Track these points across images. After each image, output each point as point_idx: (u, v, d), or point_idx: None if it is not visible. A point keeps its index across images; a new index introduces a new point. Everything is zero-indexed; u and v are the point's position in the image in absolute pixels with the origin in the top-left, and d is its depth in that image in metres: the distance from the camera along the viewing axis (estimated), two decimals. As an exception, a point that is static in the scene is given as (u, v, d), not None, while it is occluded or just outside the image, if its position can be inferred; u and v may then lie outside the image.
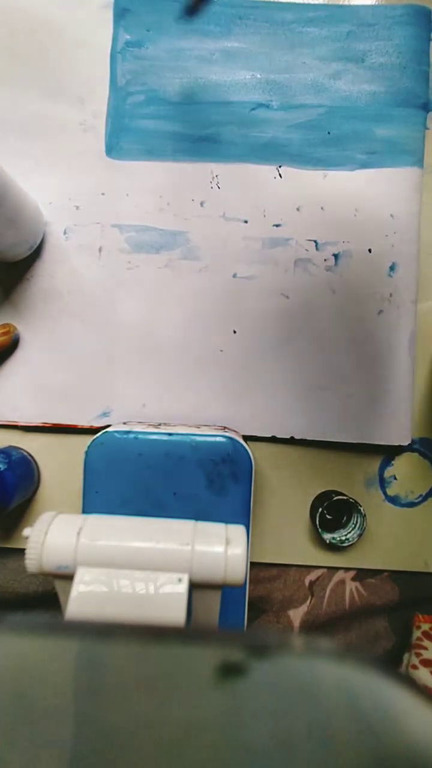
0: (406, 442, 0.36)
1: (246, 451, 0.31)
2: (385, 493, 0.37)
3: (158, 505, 0.30)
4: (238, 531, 0.24)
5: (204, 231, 0.36)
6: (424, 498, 0.37)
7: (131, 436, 0.31)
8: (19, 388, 0.36)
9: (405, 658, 0.35)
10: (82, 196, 0.36)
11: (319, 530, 0.35)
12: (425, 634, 0.35)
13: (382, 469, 0.37)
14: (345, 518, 0.36)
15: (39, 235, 0.35)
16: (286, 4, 0.35)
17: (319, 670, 0.12)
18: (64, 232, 0.36)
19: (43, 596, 0.36)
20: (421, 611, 0.37)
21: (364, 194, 0.36)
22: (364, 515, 0.35)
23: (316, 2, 0.36)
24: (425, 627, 0.36)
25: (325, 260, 0.36)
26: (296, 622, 0.36)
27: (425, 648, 0.35)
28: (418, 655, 0.34)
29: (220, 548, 0.23)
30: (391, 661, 0.37)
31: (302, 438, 0.36)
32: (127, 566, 0.22)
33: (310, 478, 0.37)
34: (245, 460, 0.31)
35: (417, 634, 0.36)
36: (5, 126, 0.36)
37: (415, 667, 0.34)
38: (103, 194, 0.36)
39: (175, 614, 0.20)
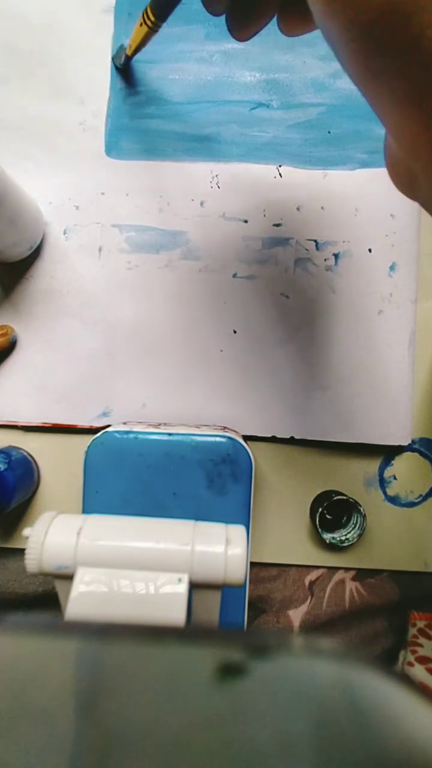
0: (406, 442, 0.36)
1: (246, 451, 0.31)
2: (385, 493, 0.37)
3: (158, 505, 0.30)
4: (238, 531, 0.24)
5: (204, 231, 0.36)
6: (424, 498, 0.37)
7: (131, 436, 0.31)
8: (19, 389, 0.36)
9: (401, 656, 0.36)
10: (82, 196, 0.36)
11: (319, 530, 0.35)
12: (420, 631, 0.36)
13: (382, 469, 0.37)
14: (345, 518, 0.36)
15: (39, 235, 0.35)
16: (286, 4, 0.35)
17: (319, 670, 0.12)
18: (64, 232, 0.36)
19: (43, 596, 0.36)
20: (417, 609, 0.37)
21: (364, 194, 0.36)
22: (364, 515, 0.35)
23: (316, 2, 0.36)
24: (420, 624, 0.36)
25: (325, 260, 0.36)
26: (296, 622, 0.36)
27: (420, 645, 0.35)
28: (413, 652, 0.35)
29: (220, 548, 0.23)
30: (390, 661, 0.37)
31: (302, 438, 0.36)
32: (127, 566, 0.22)
33: (310, 478, 0.37)
34: (245, 460, 0.31)
35: (412, 631, 0.36)
36: (5, 126, 0.36)
37: (410, 664, 0.34)
38: (103, 194, 0.36)
39: (175, 614, 0.20)
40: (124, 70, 0.36)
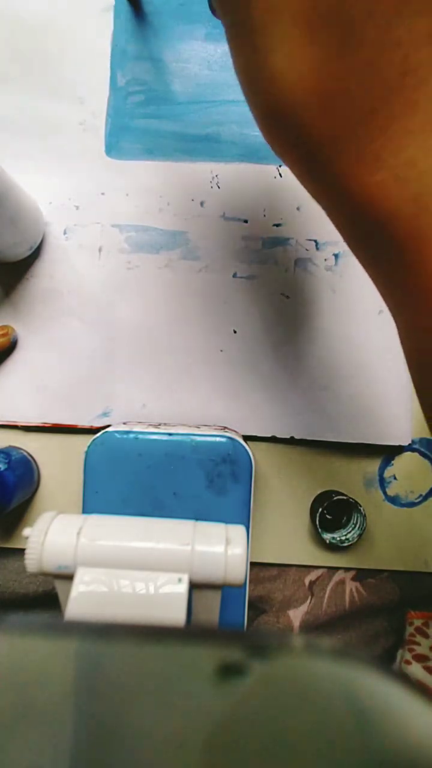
0: (406, 442, 0.36)
1: (246, 451, 0.31)
2: (385, 493, 0.37)
3: (158, 505, 0.30)
4: (238, 531, 0.24)
5: (204, 231, 0.36)
6: (424, 498, 0.37)
7: (131, 436, 0.31)
8: (19, 388, 0.36)
9: (398, 654, 0.36)
10: (82, 196, 0.36)
11: (319, 530, 0.35)
12: (418, 629, 0.36)
13: (382, 469, 0.37)
14: (345, 518, 0.36)
15: (39, 235, 0.35)
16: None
17: (319, 670, 0.12)
18: (64, 232, 0.36)
19: (43, 596, 0.36)
20: (415, 608, 0.37)
21: (364, 194, 0.36)
22: (364, 515, 0.35)
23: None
24: (418, 623, 0.36)
25: (325, 260, 0.36)
26: (296, 622, 0.36)
27: (418, 644, 0.35)
28: (411, 650, 0.35)
29: (220, 548, 0.23)
30: (390, 660, 0.37)
31: (302, 438, 0.36)
32: (127, 566, 0.22)
33: (310, 478, 0.37)
34: (245, 460, 0.31)
35: (410, 630, 0.36)
36: (5, 126, 0.36)
37: (408, 662, 0.34)
38: (103, 194, 0.36)
39: (175, 614, 0.20)
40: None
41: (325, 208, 0.19)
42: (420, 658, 0.34)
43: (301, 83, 0.16)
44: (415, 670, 0.34)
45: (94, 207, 0.36)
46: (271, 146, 0.19)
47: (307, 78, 0.15)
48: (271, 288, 0.36)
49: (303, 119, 0.16)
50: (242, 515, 0.31)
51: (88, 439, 0.31)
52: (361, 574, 0.37)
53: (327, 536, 0.35)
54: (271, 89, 0.16)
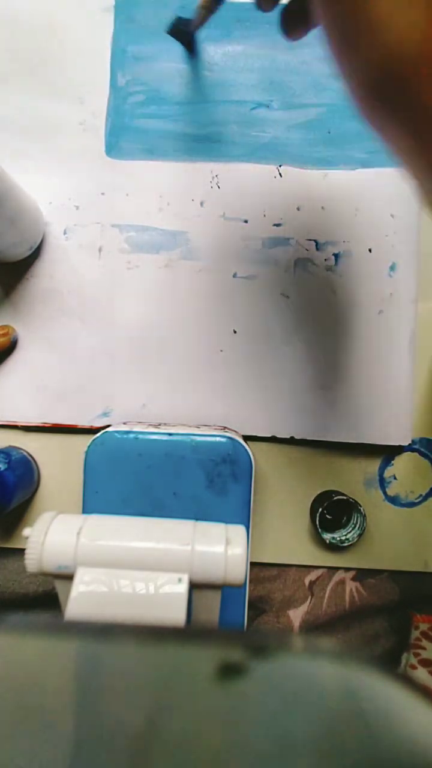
0: (406, 442, 0.36)
1: (246, 451, 0.31)
2: (385, 493, 0.37)
3: (158, 505, 0.30)
4: (238, 531, 0.24)
5: (204, 231, 0.36)
6: (424, 498, 0.37)
7: (131, 436, 0.31)
8: (19, 388, 0.36)
9: (403, 658, 0.35)
10: (82, 196, 0.36)
11: (319, 530, 0.35)
12: (423, 634, 0.35)
13: (382, 469, 0.37)
14: (345, 518, 0.36)
15: (39, 235, 0.35)
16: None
17: (319, 670, 0.12)
18: (64, 232, 0.36)
19: (43, 596, 0.36)
20: (420, 611, 0.37)
21: (365, 194, 0.36)
22: (364, 515, 0.35)
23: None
24: (423, 627, 0.36)
25: (325, 260, 0.36)
26: (296, 622, 0.36)
27: (424, 648, 0.35)
28: (416, 655, 0.34)
29: (220, 548, 0.23)
30: (390, 661, 0.37)
31: (302, 438, 0.36)
32: (127, 566, 0.22)
33: (310, 478, 0.37)
34: (245, 460, 0.31)
35: (415, 634, 0.36)
36: (5, 126, 0.36)
37: (413, 666, 0.34)
38: (103, 194, 0.36)
39: (175, 614, 0.20)
40: (188, 42, 0.35)
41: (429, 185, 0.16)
42: (426, 663, 0.34)
43: (412, 33, 0.13)
44: (421, 674, 0.33)
45: (94, 207, 0.36)
46: (368, 118, 0.16)
47: (419, 27, 0.13)
48: (271, 288, 0.36)
49: (414, 78, 0.14)
50: (242, 515, 0.31)
51: (88, 439, 0.31)
52: (361, 574, 0.37)
53: (327, 536, 0.35)
54: (374, 43, 0.14)
